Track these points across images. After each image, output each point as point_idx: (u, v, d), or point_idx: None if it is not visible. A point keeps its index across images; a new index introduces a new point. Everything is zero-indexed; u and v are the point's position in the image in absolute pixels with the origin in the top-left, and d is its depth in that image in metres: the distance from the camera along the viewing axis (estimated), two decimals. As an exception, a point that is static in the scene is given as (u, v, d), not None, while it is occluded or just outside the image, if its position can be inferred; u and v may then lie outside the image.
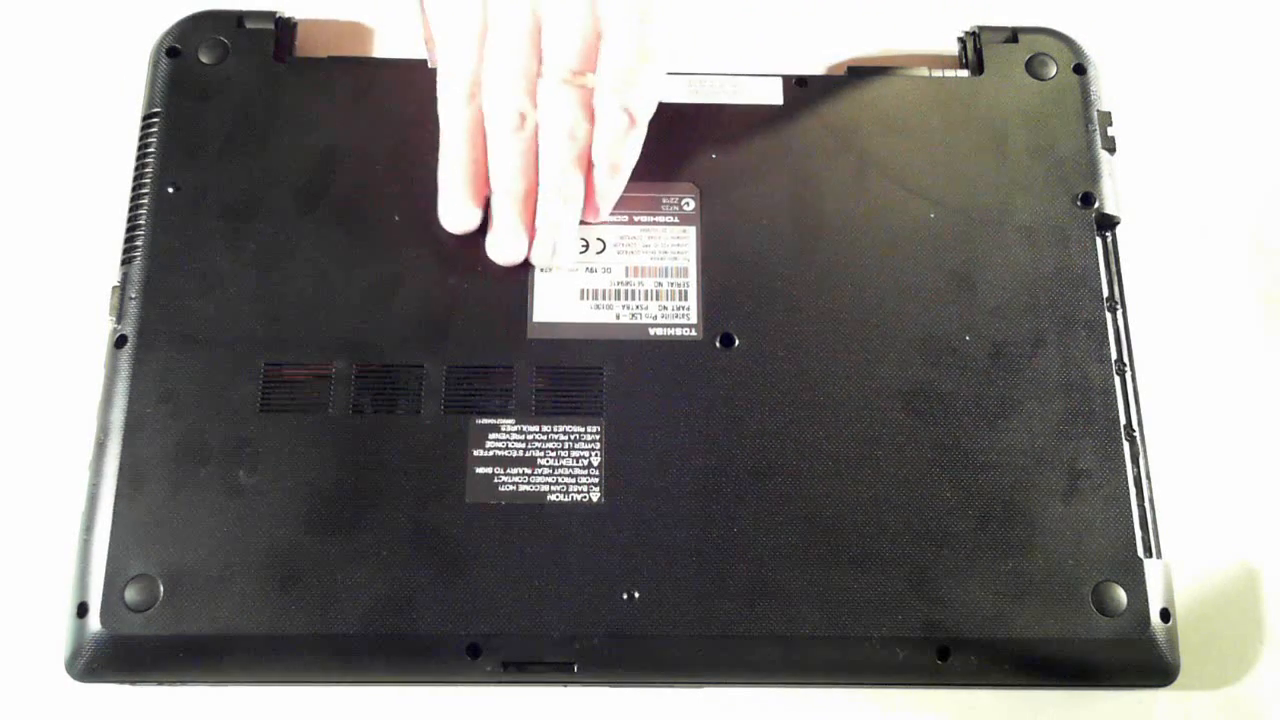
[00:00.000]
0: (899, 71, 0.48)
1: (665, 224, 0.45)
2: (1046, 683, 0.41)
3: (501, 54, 0.42)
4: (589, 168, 0.43)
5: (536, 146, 0.43)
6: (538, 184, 0.43)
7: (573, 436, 0.42)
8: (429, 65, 0.45)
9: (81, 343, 0.44)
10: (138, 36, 0.47)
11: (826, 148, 0.46)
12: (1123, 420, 0.43)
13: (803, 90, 0.47)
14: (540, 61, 0.42)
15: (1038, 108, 0.47)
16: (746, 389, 0.42)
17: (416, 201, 0.44)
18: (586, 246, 0.44)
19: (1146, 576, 0.41)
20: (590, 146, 0.42)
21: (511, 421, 0.42)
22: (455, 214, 0.43)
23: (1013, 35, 0.48)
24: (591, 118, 0.42)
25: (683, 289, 0.44)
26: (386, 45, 0.50)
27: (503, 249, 0.43)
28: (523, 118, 0.42)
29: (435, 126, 0.44)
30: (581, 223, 0.44)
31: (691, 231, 0.45)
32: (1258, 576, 0.44)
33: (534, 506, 0.41)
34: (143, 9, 0.49)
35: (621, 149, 0.42)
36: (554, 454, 0.41)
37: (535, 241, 0.43)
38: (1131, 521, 0.41)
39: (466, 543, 0.40)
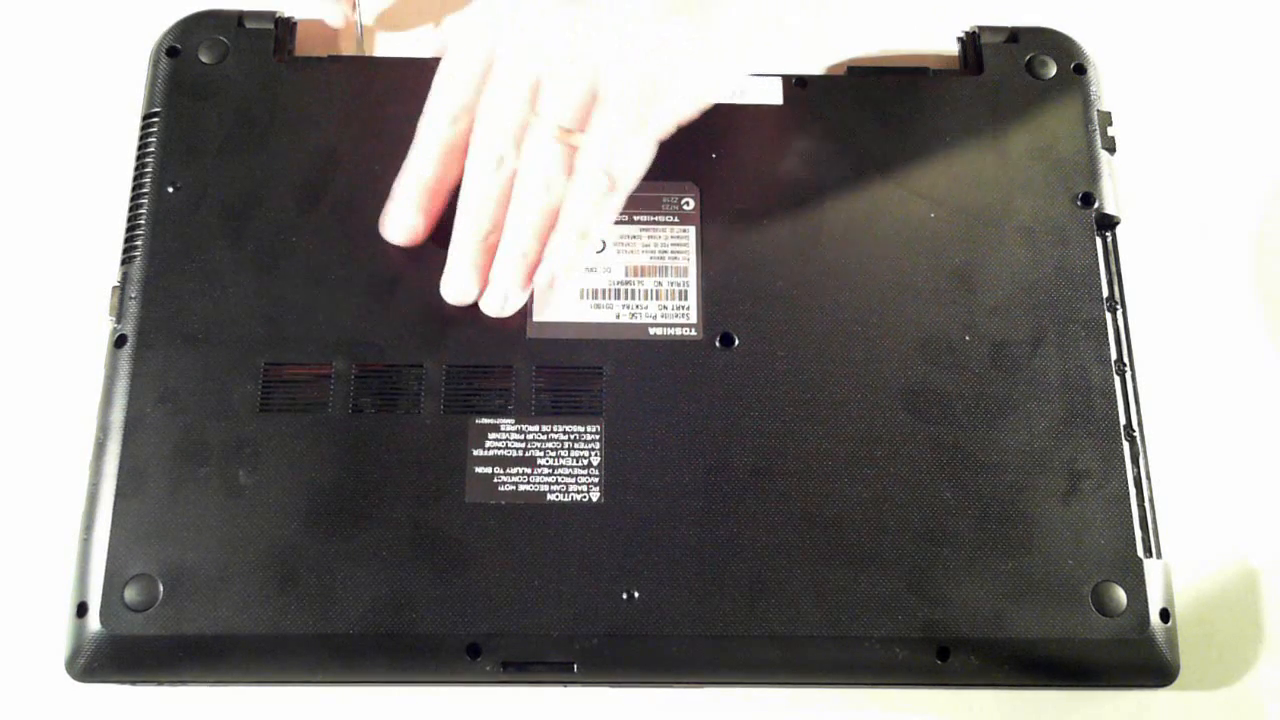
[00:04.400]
0: (899, 71, 0.48)
1: (665, 223, 0.45)
2: (1046, 683, 0.41)
3: (500, 96, 0.42)
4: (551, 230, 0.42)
5: (509, 194, 0.42)
6: (501, 231, 0.42)
7: (572, 436, 0.42)
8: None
9: (81, 343, 0.44)
10: (138, 36, 0.47)
11: (826, 148, 0.46)
12: (1123, 420, 0.43)
13: (803, 90, 0.47)
14: (534, 113, 0.41)
15: (1038, 108, 0.47)
16: (746, 389, 0.42)
17: (416, 201, 0.44)
18: (586, 246, 0.44)
19: (1146, 576, 0.41)
20: (560, 206, 0.42)
21: (511, 421, 0.42)
22: (399, 222, 0.43)
23: (1013, 35, 0.48)
24: (569, 177, 0.41)
25: (682, 288, 0.44)
26: (386, 45, 0.50)
27: (454, 289, 0.42)
28: (501, 160, 0.41)
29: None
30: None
31: (691, 231, 0.45)
32: (1257, 576, 0.44)
33: (534, 506, 0.41)
34: (143, 9, 0.49)
35: (595, 213, 0.41)
36: (554, 454, 0.41)
37: (487, 290, 0.42)
38: (1131, 521, 0.41)
39: (466, 542, 0.40)
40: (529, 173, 0.41)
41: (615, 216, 0.42)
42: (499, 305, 0.42)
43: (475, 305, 0.43)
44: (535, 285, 0.42)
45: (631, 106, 0.41)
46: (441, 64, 0.43)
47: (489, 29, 0.42)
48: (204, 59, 0.46)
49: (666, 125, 0.42)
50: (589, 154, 0.41)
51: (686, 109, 0.42)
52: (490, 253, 0.42)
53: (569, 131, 0.41)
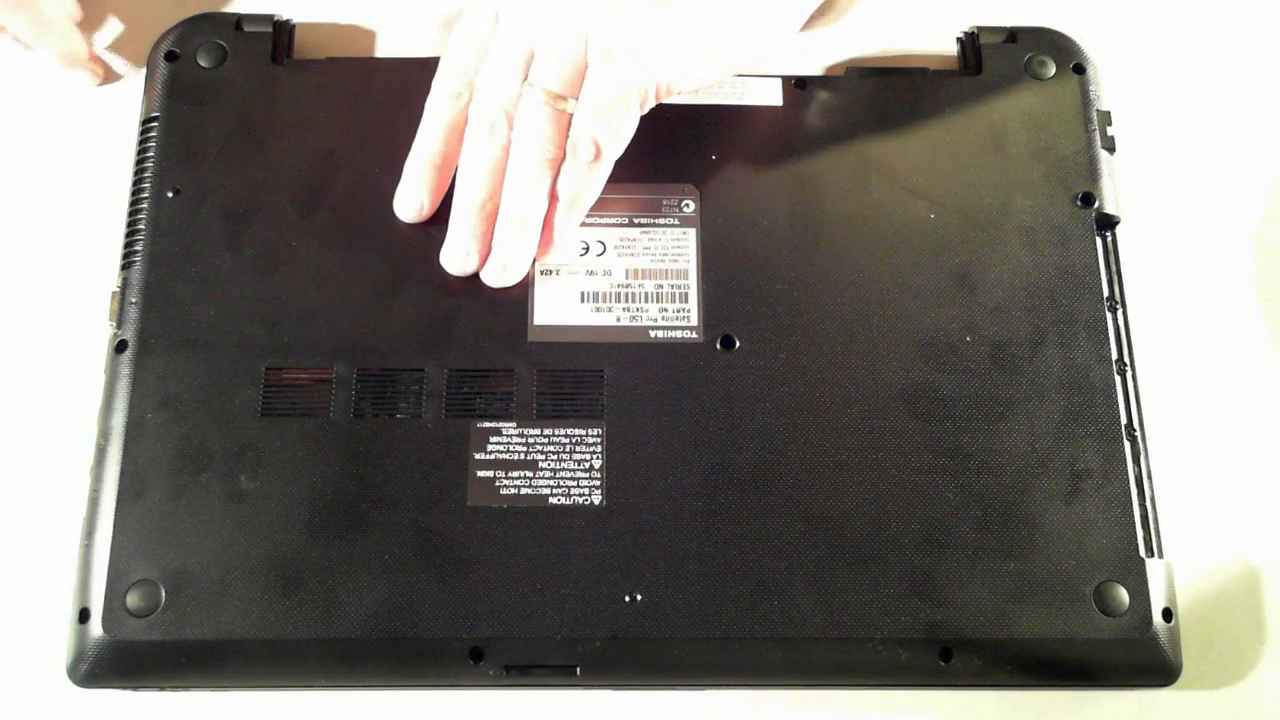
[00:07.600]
0: (899, 71, 0.48)
1: (665, 226, 0.45)
2: (1049, 683, 0.41)
3: (493, 67, 0.43)
4: (552, 200, 0.43)
5: (505, 163, 0.43)
6: (498, 200, 0.43)
7: (574, 439, 0.42)
8: None
9: (82, 348, 0.44)
10: (137, 40, 0.47)
11: (826, 148, 0.46)
12: (1123, 420, 0.43)
13: (802, 90, 0.47)
14: (526, 83, 0.42)
15: (1038, 108, 0.47)
16: (747, 391, 0.42)
17: (416, 204, 0.44)
18: (586, 249, 0.44)
19: (1148, 576, 0.41)
20: (557, 176, 0.42)
21: (513, 425, 0.42)
22: (403, 199, 0.43)
23: (1012, 35, 0.48)
24: (563, 144, 0.42)
25: (683, 291, 0.44)
26: (385, 46, 0.50)
27: (453, 258, 0.43)
28: (492, 127, 0.42)
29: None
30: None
31: (692, 233, 0.45)
32: (1259, 576, 0.44)
33: (535, 510, 0.41)
34: (142, 12, 0.49)
35: (583, 181, 0.42)
36: (555, 457, 0.41)
37: (489, 259, 0.43)
38: (1133, 521, 0.41)
39: (468, 546, 0.40)
40: (519, 138, 0.42)
41: (602, 185, 0.43)
42: (498, 274, 0.43)
43: (474, 309, 0.43)
44: (535, 256, 0.43)
45: (617, 76, 0.41)
46: (446, 45, 0.44)
47: (491, 8, 0.44)
48: (203, 63, 0.46)
49: (653, 96, 0.42)
50: (576, 121, 0.42)
51: (677, 83, 0.43)
52: (489, 222, 0.43)
53: (559, 97, 0.42)
